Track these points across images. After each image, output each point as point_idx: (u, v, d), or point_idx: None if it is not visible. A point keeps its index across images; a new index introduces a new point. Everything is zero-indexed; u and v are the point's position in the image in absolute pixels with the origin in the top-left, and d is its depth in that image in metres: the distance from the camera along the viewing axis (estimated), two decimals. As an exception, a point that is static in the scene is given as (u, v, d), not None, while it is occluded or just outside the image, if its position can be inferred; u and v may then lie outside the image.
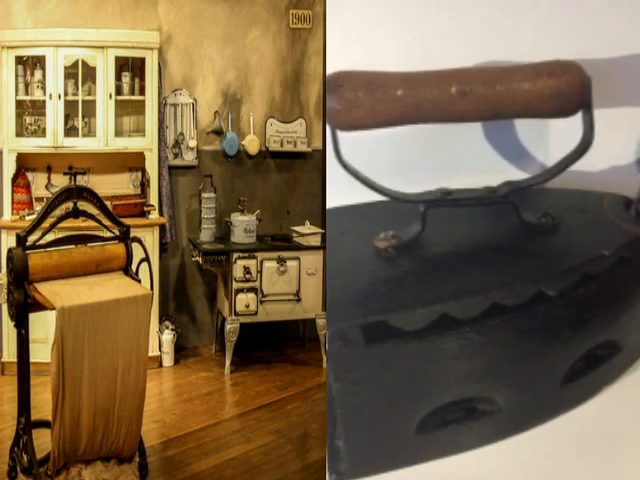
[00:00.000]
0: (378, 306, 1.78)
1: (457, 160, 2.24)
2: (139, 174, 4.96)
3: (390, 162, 2.12)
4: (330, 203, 2.13)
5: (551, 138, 2.23)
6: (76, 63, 4.56)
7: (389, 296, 1.82)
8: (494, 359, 1.80)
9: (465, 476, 1.79)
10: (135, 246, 3.06)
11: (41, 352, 3.83)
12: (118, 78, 4.67)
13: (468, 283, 1.82)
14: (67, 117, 4.63)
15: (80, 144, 4.65)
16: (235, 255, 4.68)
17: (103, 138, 4.64)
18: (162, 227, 4.91)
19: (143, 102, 4.73)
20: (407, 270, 1.91)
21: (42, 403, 3.48)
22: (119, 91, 4.70)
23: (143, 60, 4.70)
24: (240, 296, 4.68)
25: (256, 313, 4.73)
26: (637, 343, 2.00)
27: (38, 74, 4.58)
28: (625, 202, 2.06)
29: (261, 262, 4.72)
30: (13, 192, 4.58)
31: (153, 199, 4.84)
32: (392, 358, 1.77)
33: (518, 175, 2.08)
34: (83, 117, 4.67)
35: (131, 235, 3.09)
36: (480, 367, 1.80)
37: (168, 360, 4.86)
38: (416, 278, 1.88)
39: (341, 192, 2.06)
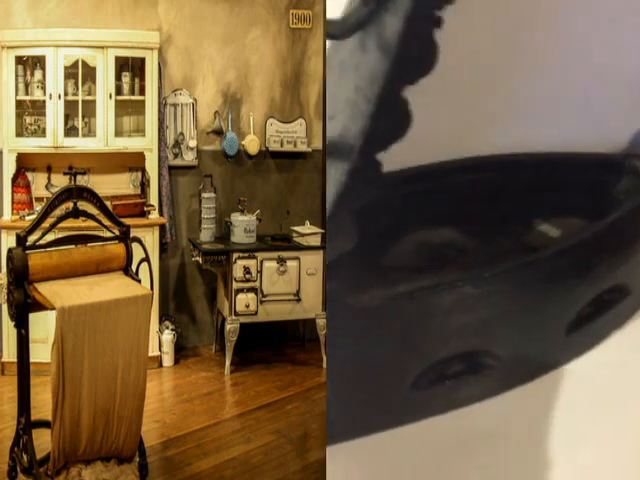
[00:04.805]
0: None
1: None
2: (139, 174, 4.96)
3: None
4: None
5: None
6: (76, 63, 4.55)
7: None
8: (494, 311, 1.71)
9: (468, 430, 1.73)
10: (135, 246, 3.06)
11: (41, 352, 3.83)
12: (118, 78, 4.67)
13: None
14: (67, 117, 4.63)
15: (80, 144, 4.65)
16: (235, 255, 4.68)
17: (103, 138, 4.64)
18: (162, 227, 4.91)
19: (143, 102, 4.72)
20: None
21: (42, 403, 3.49)
22: (119, 91, 4.69)
23: (143, 60, 4.69)
24: (240, 296, 4.68)
25: (256, 313, 4.73)
26: None
27: (38, 74, 4.57)
28: None
29: (261, 262, 4.72)
30: (13, 192, 4.58)
31: (153, 199, 4.83)
32: (386, 315, 1.69)
33: None
34: (83, 117, 4.67)
35: (131, 235, 3.09)
36: (478, 320, 1.71)
37: (168, 360, 4.86)
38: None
39: None
